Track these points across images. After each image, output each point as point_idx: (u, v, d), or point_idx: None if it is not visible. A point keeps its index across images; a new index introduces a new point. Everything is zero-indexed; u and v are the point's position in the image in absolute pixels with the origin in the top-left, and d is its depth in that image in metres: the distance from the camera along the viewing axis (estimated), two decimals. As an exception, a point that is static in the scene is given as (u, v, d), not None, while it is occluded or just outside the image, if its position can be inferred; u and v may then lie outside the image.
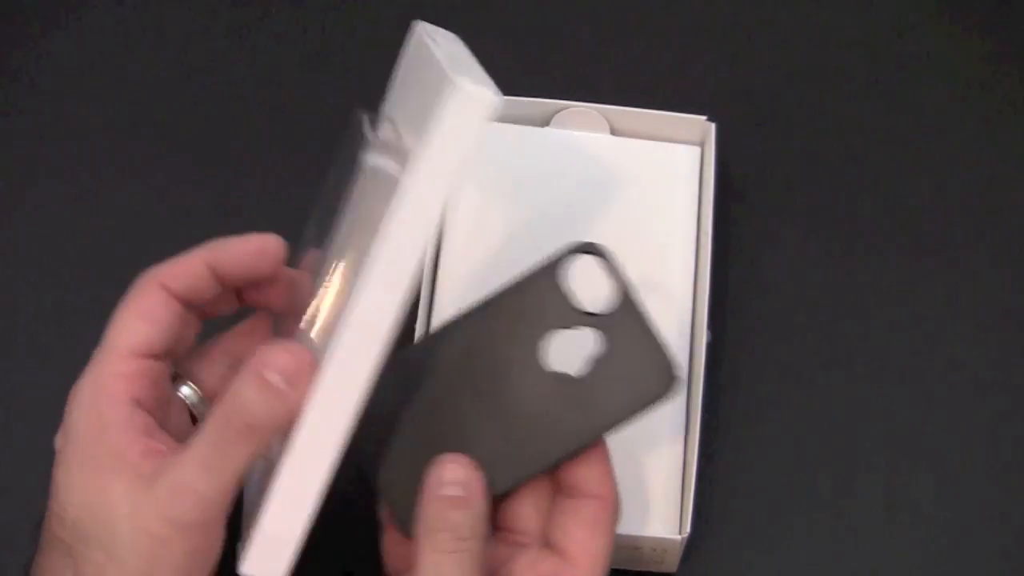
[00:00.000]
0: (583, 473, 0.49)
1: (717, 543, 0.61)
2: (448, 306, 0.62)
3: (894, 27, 0.73)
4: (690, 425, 0.59)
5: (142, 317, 0.49)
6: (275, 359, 0.46)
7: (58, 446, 0.49)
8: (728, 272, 0.65)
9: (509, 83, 0.68)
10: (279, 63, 0.71)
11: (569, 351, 0.49)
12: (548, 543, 0.49)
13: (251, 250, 0.51)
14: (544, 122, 0.66)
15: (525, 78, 0.70)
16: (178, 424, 0.51)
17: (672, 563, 0.59)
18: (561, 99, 0.65)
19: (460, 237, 0.63)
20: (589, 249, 0.49)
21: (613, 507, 0.49)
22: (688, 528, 0.56)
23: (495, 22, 0.73)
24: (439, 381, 0.49)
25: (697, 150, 0.65)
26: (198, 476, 0.46)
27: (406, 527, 0.48)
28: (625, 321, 0.48)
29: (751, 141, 0.69)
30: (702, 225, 0.63)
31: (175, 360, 0.52)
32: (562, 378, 0.48)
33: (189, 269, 0.50)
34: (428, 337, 0.50)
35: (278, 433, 0.47)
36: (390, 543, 0.50)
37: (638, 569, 0.59)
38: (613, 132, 0.66)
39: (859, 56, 0.72)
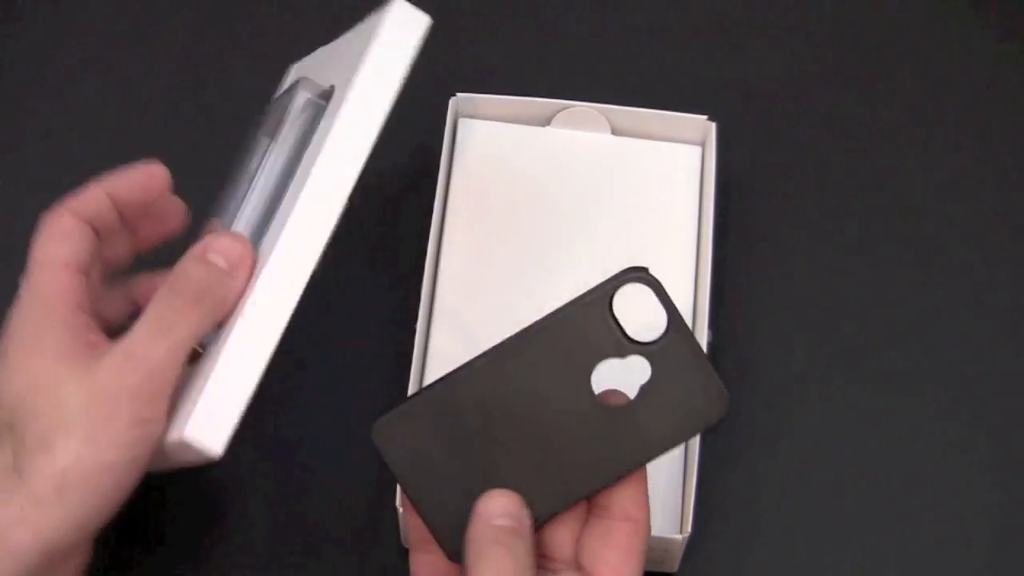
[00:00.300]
0: (619, 495, 0.48)
1: (718, 543, 0.61)
2: (448, 306, 0.62)
3: (894, 26, 0.73)
4: (691, 424, 0.59)
5: (61, 237, 0.52)
6: (218, 243, 0.51)
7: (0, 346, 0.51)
8: (729, 271, 0.65)
9: (510, 83, 0.69)
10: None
11: (616, 378, 0.48)
12: (580, 566, 0.48)
13: (141, 175, 0.54)
14: (545, 122, 0.66)
15: (526, 78, 0.71)
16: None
17: (673, 563, 0.59)
18: (562, 99, 0.65)
19: (460, 237, 0.63)
20: (638, 278, 0.48)
21: (646, 530, 0.48)
22: (689, 528, 0.56)
23: (496, 22, 0.73)
24: (482, 410, 0.49)
25: (698, 150, 0.65)
26: (149, 342, 0.49)
27: (444, 543, 0.49)
28: (673, 348, 0.48)
29: (752, 141, 0.69)
30: (703, 224, 0.63)
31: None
32: (610, 407, 0.48)
33: (91, 197, 0.53)
34: (479, 359, 0.49)
35: (219, 312, 0.51)
36: (415, 522, 0.50)
37: (639, 569, 0.60)
38: (614, 132, 0.66)
39: (859, 56, 0.72)
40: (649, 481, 0.58)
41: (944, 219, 0.68)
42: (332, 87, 0.56)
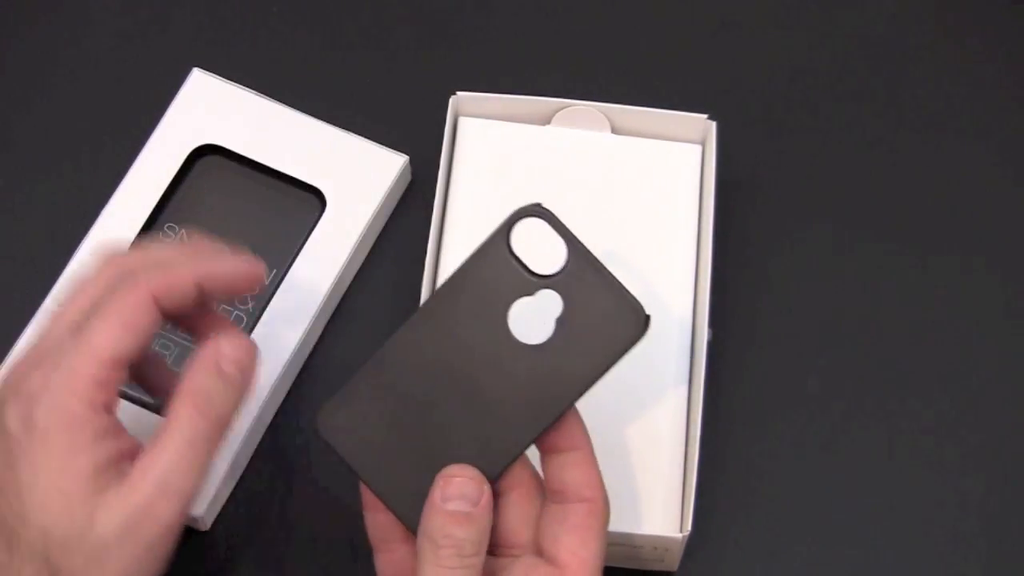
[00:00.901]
0: (569, 476, 0.48)
1: (718, 542, 0.61)
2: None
3: (894, 25, 0.73)
4: (691, 423, 0.59)
5: (130, 328, 0.48)
6: (229, 352, 0.49)
7: (13, 429, 0.47)
8: (729, 270, 0.65)
9: (510, 81, 0.69)
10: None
11: (534, 318, 0.48)
12: (539, 552, 0.48)
13: (241, 272, 0.52)
14: (545, 120, 0.66)
15: (526, 76, 0.71)
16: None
17: (673, 562, 0.59)
18: (562, 97, 0.65)
19: (460, 236, 0.63)
20: (530, 212, 0.48)
21: (601, 509, 0.48)
22: (689, 526, 0.56)
23: (496, 21, 0.73)
24: (416, 379, 0.49)
25: (698, 148, 0.65)
26: (182, 476, 0.47)
27: (409, 523, 0.48)
28: (579, 274, 0.48)
29: (752, 139, 0.69)
30: (703, 223, 0.63)
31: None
32: (532, 348, 0.48)
33: (180, 284, 0.49)
34: (401, 331, 0.49)
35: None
36: (373, 520, 0.50)
37: (639, 568, 0.59)
38: (614, 130, 0.66)
39: (859, 54, 0.72)
40: (649, 480, 0.58)
41: (945, 217, 0.68)
42: None
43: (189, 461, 0.47)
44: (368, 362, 0.48)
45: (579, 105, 0.65)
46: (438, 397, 0.49)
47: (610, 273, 0.48)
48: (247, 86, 0.68)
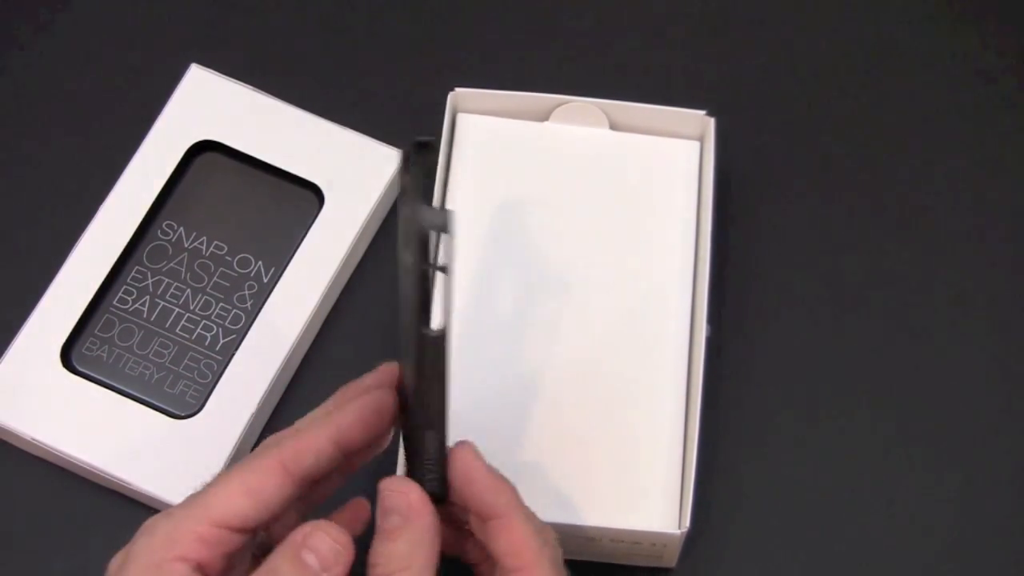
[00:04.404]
0: (495, 547, 0.48)
1: (717, 538, 0.61)
2: (447, 301, 0.62)
3: (894, 22, 0.73)
4: (690, 419, 0.59)
5: (250, 494, 0.46)
6: (316, 543, 0.46)
7: (113, 571, 0.47)
8: (727, 266, 0.65)
9: (508, 78, 0.69)
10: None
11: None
12: None
13: (366, 407, 0.49)
14: (544, 117, 0.66)
15: (524, 73, 0.71)
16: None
17: (672, 558, 0.59)
18: (561, 94, 0.65)
19: (458, 231, 0.63)
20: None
21: (536, 571, 0.47)
22: (688, 523, 0.56)
23: (494, 17, 0.73)
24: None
25: (696, 145, 0.65)
26: None
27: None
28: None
29: (750, 136, 0.69)
30: (701, 219, 0.63)
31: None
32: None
33: (313, 447, 0.47)
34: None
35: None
36: None
37: (637, 564, 0.60)
38: (612, 127, 0.66)
39: (859, 51, 0.72)
40: (647, 476, 0.58)
41: (944, 216, 0.68)
42: None
43: None
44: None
45: (577, 101, 0.65)
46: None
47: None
48: (245, 82, 0.68)
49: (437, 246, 0.46)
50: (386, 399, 0.49)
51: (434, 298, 0.46)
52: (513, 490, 0.49)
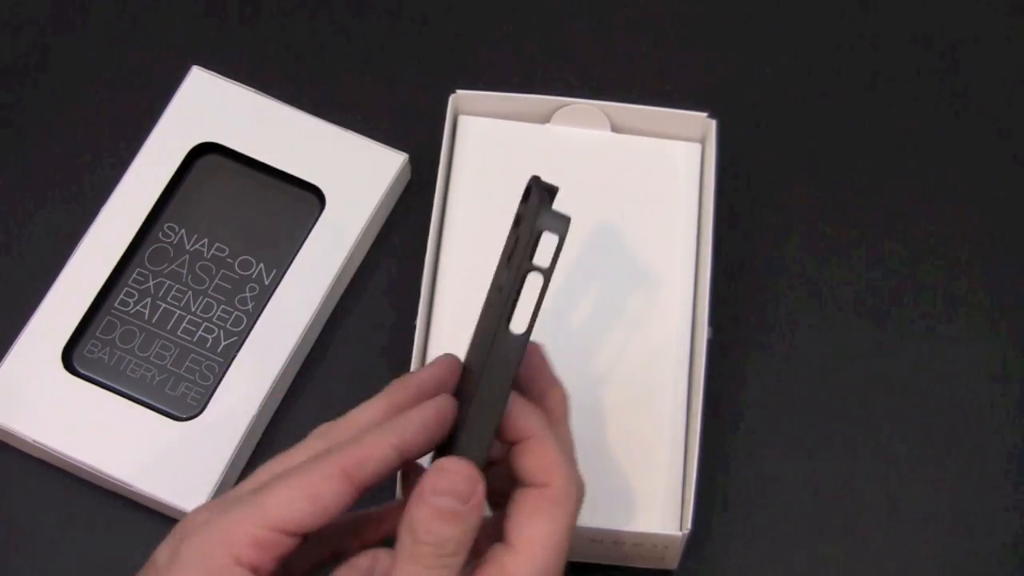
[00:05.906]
0: (526, 463, 0.47)
1: (718, 540, 0.61)
2: (447, 303, 0.62)
3: (894, 24, 0.73)
4: (691, 421, 0.59)
5: (309, 499, 0.45)
6: (442, 481, 0.45)
7: (160, 562, 0.46)
8: (729, 268, 0.65)
9: (510, 80, 0.69)
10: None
11: None
12: (502, 537, 0.47)
13: (430, 417, 0.48)
14: (545, 119, 0.66)
15: (526, 75, 0.71)
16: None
17: (673, 559, 0.59)
18: (562, 95, 0.65)
19: (459, 234, 0.63)
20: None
21: (556, 494, 0.47)
22: (689, 524, 0.56)
23: (496, 19, 0.73)
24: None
25: (698, 147, 0.65)
26: None
27: None
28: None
29: (752, 138, 0.69)
30: (703, 221, 0.63)
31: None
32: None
33: (377, 456, 0.46)
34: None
35: (465, 552, 0.45)
36: None
37: (639, 566, 0.59)
38: (614, 129, 0.66)
39: (859, 53, 0.72)
40: (649, 478, 0.58)
41: (946, 216, 0.68)
42: None
43: None
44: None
45: (579, 103, 0.65)
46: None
47: None
48: (246, 84, 0.68)
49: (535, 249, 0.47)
50: (449, 408, 0.48)
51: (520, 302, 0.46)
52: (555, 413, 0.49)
